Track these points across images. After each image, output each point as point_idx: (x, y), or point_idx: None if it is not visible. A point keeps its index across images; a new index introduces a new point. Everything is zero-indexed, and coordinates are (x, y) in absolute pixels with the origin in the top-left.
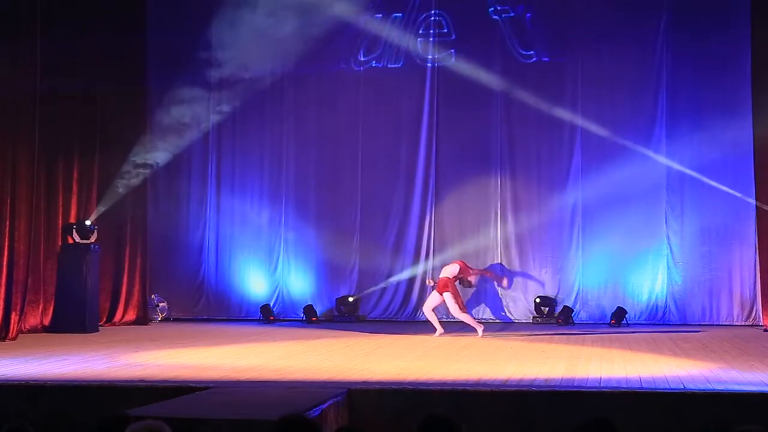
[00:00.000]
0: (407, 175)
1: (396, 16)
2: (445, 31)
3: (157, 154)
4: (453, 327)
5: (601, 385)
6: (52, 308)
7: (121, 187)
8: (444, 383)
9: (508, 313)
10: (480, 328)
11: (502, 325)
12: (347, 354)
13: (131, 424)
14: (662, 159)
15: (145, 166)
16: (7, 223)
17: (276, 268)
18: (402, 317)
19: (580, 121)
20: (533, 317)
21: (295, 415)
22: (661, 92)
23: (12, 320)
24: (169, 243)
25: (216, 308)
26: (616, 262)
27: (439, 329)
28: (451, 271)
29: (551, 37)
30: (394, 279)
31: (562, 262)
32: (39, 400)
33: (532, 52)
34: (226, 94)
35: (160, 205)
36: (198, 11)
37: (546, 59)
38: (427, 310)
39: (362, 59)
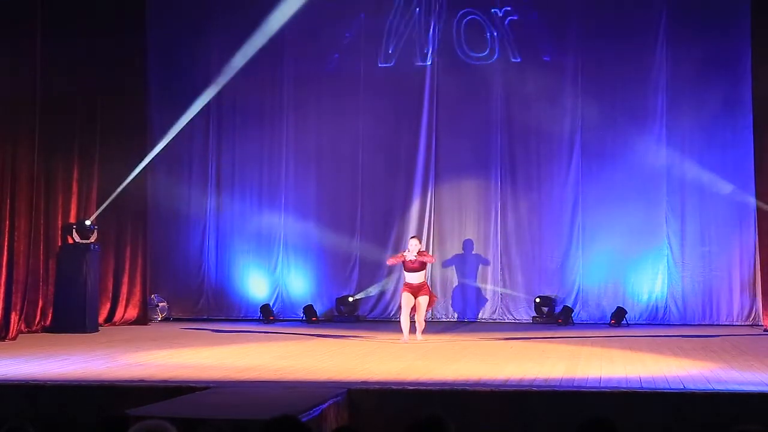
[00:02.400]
0: (407, 175)
1: (396, 16)
2: (446, 30)
3: (157, 153)
4: (449, 327)
5: (601, 385)
6: (52, 308)
7: (121, 186)
8: (444, 383)
9: (507, 313)
10: (404, 338)
11: (502, 325)
12: (347, 354)
13: (135, 425)
14: (662, 158)
15: (144, 165)
16: (7, 222)
17: (276, 268)
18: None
19: (580, 120)
20: (533, 317)
21: (285, 415)
22: (661, 91)
23: (12, 320)
24: (169, 243)
25: (216, 308)
26: (616, 262)
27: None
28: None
29: (551, 36)
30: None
31: (562, 261)
32: (39, 400)
33: (532, 51)
34: (226, 93)
35: (160, 205)
36: (197, 11)
37: (546, 58)
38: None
39: (362, 59)
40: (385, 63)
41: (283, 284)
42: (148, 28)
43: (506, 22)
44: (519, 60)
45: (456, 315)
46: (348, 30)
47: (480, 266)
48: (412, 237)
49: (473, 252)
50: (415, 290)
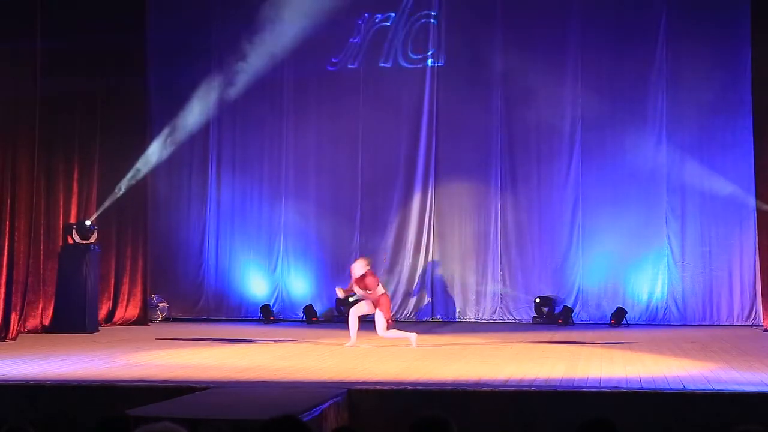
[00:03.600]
0: (407, 175)
1: (396, 17)
2: (445, 30)
3: (157, 153)
4: (449, 327)
5: (601, 385)
6: (52, 308)
7: (122, 187)
8: (444, 383)
9: (508, 313)
10: (413, 337)
11: (502, 325)
12: (347, 354)
13: (141, 428)
14: (662, 159)
15: (145, 166)
16: (7, 223)
17: (276, 268)
18: (402, 317)
19: (580, 120)
20: (533, 317)
21: (285, 415)
22: (661, 92)
23: (12, 320)
24: (169, 243)
25: (216, 308)
26: (616, 262)
27: (354, 340)
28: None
29: (551, 36)
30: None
31: (562, 261)
32: (39, 400)
33: (532, 51)
34: (227, 94)
35: (160, 205)
36: (198, 10)
37: (546, 58)
38: (353, 316)
39: (362, 58)
40: (385, 63)
41: (283, 284)
42: (148, 28)
43: (506, 22)
44: (519, 60)
45: (455, 315)
46: (348, 30)
47: (480, 266)
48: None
49: (473, 252)
50: (373, 302)
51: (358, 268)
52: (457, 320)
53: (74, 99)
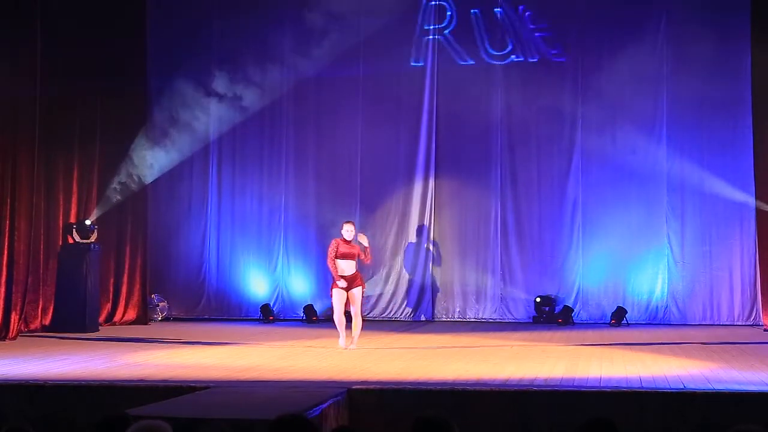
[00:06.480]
0: (407, 175)
1: (396, 16)
2: (446, 29)
3: (158, 154)
4: (449, 327)
5: (601, 385)
6: (52, 308)
7: (122, 186)
8: (444, 383)
9: (508, 313)
10: (341, 342)
11: (502, 325)
12: (347, 354)
13: (133, 424)
14: (662, 158)
15: (144, 167)
16: (7, 222)
17: (276, 268)
18: (402, 317)
19: (580, 120)
20: (533, 317)
21: (292, 414)
22: (662, 91)
23: (12, 320)
24: (169, 243)
25: (216, 308)
26: (616, 262)
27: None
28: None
29: (552, 36)
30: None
31: (562, 261)
32: (38, 400)
33: (532, 51)
34: (227, 94)
35: (161, 205)
36: (197, 12)
37: (547, 58)
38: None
39: (361, 59)
40: (385, 63)
41: (283, 284)
42: (148, 29)
43: (506, 22)
44: (519, 60)
45: (456, 314)
46: (348, 30)
47: (480, 266)
48: (346, 222)
49: (473, 251)
50: (349, 281)
51: (352, 231)
52: (457, 320)
53: (74, 99)
